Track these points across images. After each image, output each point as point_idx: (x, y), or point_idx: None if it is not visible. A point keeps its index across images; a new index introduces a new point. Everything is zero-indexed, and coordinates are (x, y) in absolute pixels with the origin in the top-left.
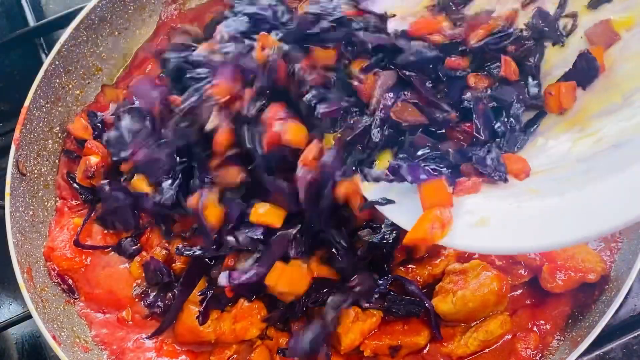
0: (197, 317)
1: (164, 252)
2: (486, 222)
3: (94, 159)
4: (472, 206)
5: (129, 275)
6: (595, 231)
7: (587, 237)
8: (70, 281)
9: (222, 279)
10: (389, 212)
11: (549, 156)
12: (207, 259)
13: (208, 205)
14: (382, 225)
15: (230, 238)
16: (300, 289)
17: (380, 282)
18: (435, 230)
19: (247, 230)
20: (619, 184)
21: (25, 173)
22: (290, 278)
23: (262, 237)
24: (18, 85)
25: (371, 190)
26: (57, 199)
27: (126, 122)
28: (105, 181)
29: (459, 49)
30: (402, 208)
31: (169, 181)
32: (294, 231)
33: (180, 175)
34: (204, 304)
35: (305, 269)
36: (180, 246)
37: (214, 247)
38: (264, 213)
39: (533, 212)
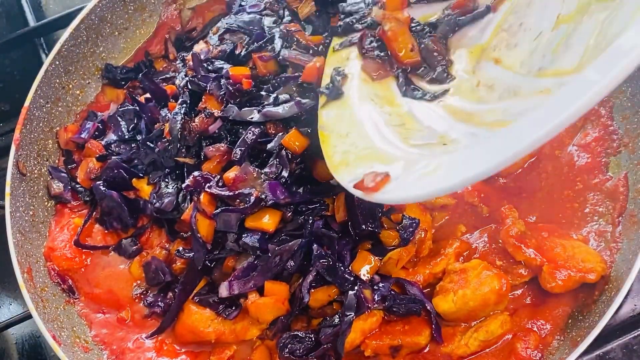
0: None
1: (163, 252)
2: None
3: (96, 160)
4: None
5: (129, 275)
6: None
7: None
8: (70, 281)
9: (223, 290)
10: None
11: None
12: (207, 262)
13: (199, 218)
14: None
15: (229, 242)
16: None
17: (382, 285)
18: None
19: (245, 235)
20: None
21: (25, 173)
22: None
23: (257, 245)
24: (18, 85)
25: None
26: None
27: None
28: (100, 182)
29: None
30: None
31: (169, 187)
32: (295, 246)
33: (179, 180)
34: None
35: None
36: (180, 249)
37: (208, 256)
38: (259, 218)
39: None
